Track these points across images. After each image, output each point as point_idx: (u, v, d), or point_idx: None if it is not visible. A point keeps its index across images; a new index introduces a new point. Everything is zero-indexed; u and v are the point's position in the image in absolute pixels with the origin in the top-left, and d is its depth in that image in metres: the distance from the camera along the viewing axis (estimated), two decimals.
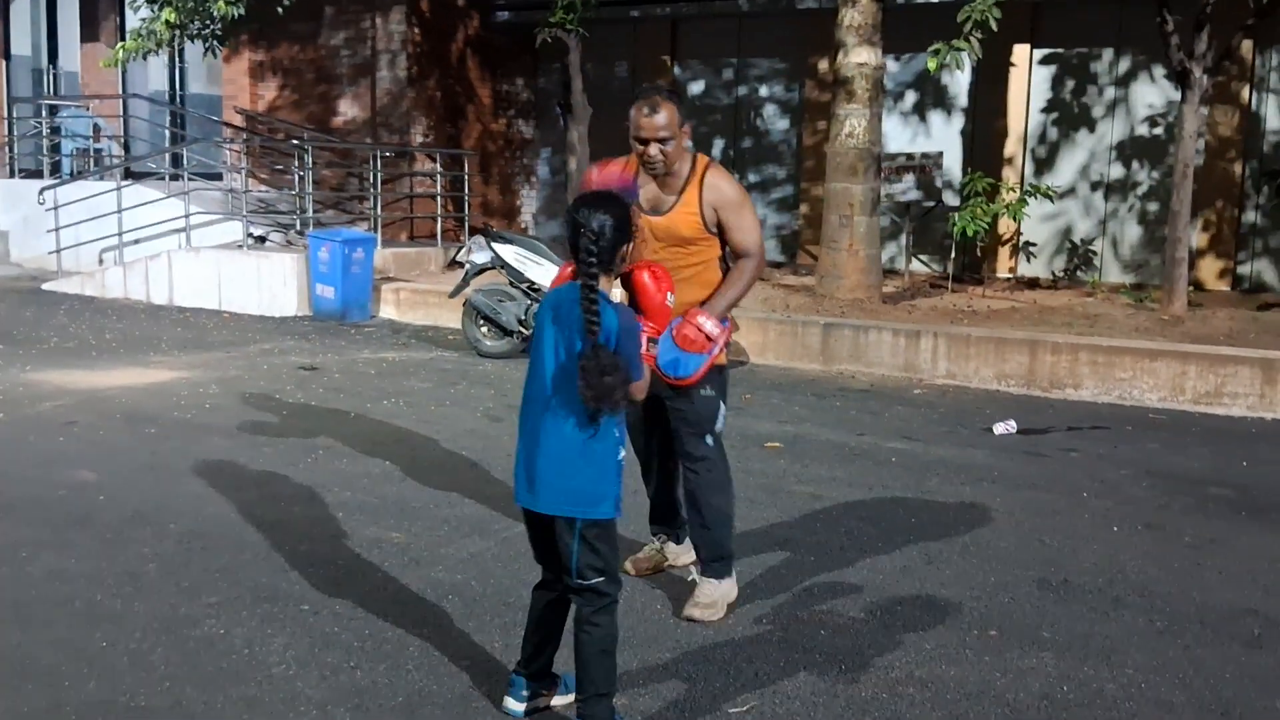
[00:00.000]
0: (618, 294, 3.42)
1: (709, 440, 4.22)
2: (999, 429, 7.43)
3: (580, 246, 3.17)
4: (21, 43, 18.25)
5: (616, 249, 3.24)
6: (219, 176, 15.21)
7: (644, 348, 3.32)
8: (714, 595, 4.24)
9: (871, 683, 3.69)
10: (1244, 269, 12.51)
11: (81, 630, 3.96)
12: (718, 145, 15.32)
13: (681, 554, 4.65)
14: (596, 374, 3.04)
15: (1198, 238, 12.33)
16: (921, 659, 3.88)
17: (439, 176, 14.74)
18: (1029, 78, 13.29)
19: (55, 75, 18.13)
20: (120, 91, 16.70)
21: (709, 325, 4.04)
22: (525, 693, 3.40)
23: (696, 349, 4.03)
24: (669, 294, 3.51)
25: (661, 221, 4.15)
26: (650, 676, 3.69)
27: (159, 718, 3.36)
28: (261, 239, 13.18)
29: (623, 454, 3.31)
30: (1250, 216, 12.45)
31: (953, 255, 12.43)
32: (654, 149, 4.05)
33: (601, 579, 3.21)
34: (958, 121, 13.81)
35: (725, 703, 3.53)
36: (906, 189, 12.45)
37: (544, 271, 9.59)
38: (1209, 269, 12.50)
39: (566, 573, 3.24)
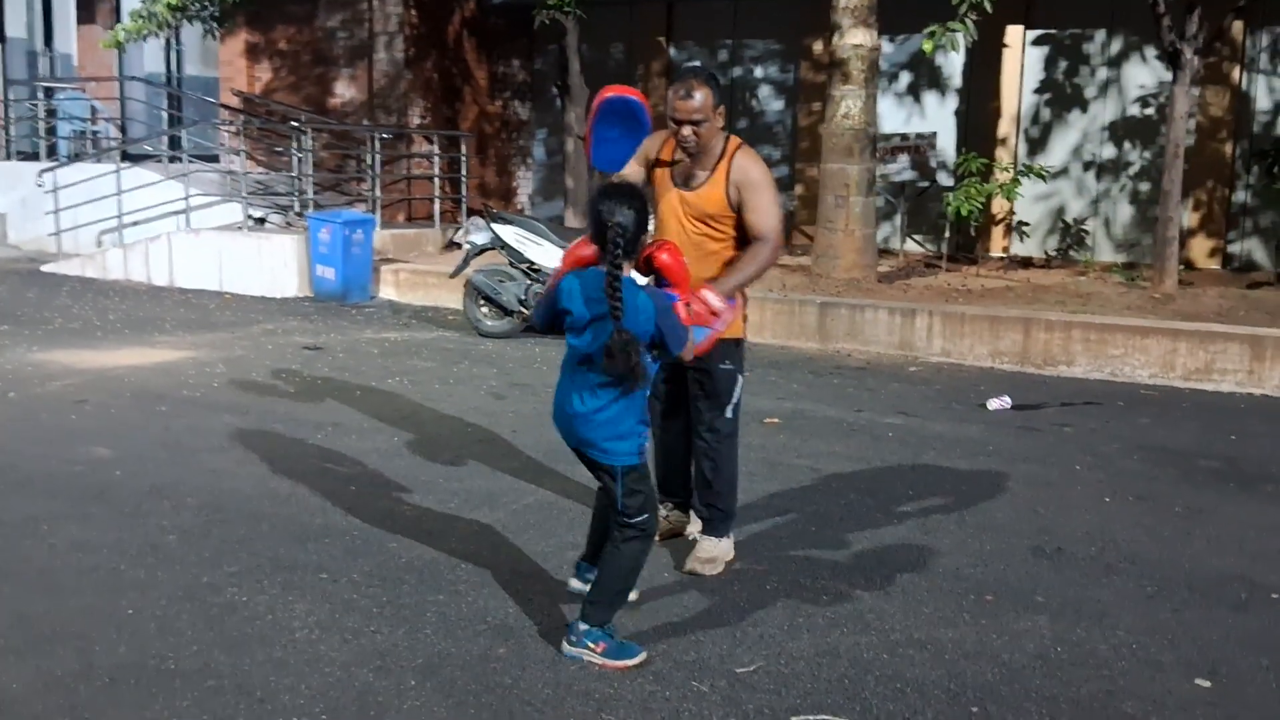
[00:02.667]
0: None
1: (728, 412, 4.43)
2: (993, 404, 7.57)
3: (607, 239, 3.43)
4: (17, 25, 18.27)
5: (639, 239, 3.53)
6: (216, 158, 15.28)
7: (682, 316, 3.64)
8: (714, 551, 4.46)
9: (872, 644, 3.83)
10: (1234, 248, 12.66)
11: (108, 597, 4.09)
12: None
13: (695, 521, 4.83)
14: (623, 355, 3.37)
15: (1189, 217, 12.47)
16: (920, 622, 4.03)
17: (436, 158, 14.83)
18: (1022, 59, 13.41)
19: (51, 57, 18.15)
20: (117, 74, 16.74)
21: (713, 300, 4.13)
22: (589, 576, 3.87)
23: (700, 323, 4.14)
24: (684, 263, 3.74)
25: (691, 196, 4.36)
26: (659, 638, 3.83)
27: (189, 680, 3.49)
28: (261, 221, 13.26)
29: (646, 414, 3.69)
30: (1240, 196, 12.60)
31: (947, 235, 12.56)
32: (687, 130, 4.24)
33: (644, 516, 3.67)
34: (952, 102, 13.92)
35: (732, 663, 3.67)
36: (901, 169, 12.58)
37: (543, 252, 9.70)
38: (1200, 248, 12.65)
39: (617, 513, 3.68)
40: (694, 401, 4.47)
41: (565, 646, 3.66)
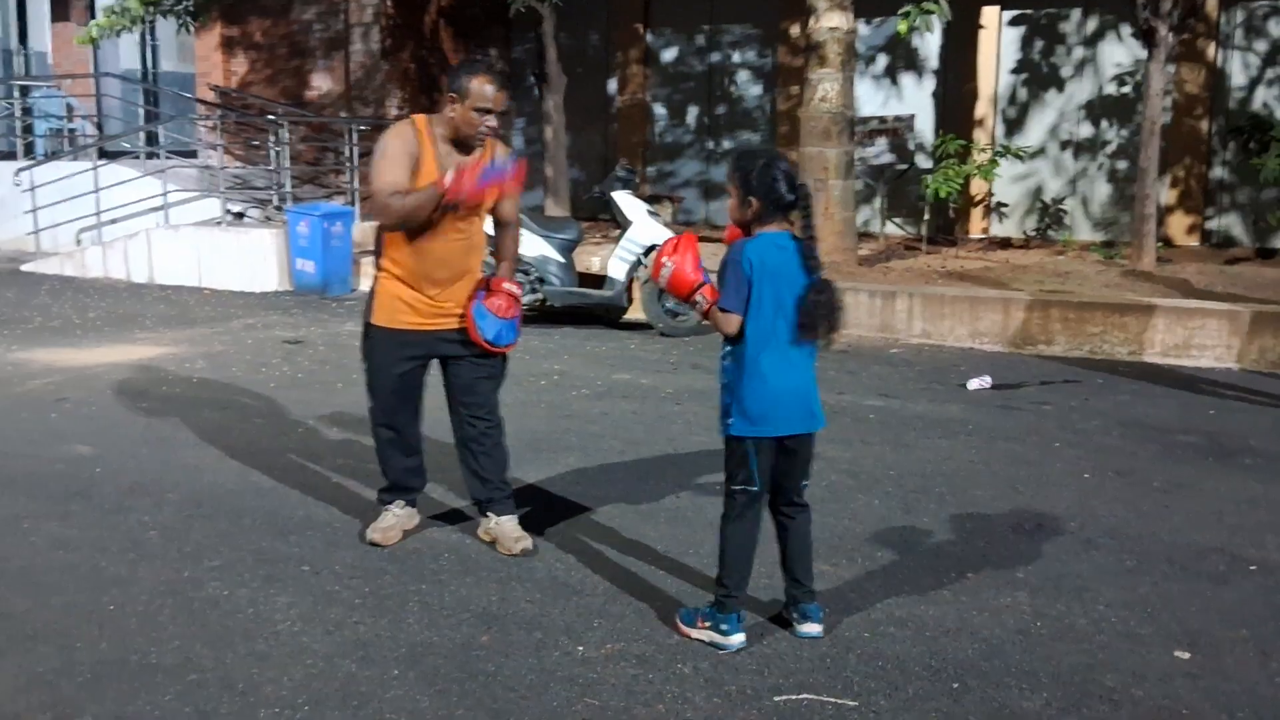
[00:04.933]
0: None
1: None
2: (974, 384, 7.60)
3: (802, 205, 3.60)
4: None
5: None
6: (194, 154, 15.21)
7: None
8: (520, 529, 4.54)
9: (854, 623, 3.85)
10: (1212, 224, 12.72)
11: (89, 594, 4.08)
12: (692, 112, 15.41)
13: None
14: (838, 305, 3.61)
15: (1166, 194, 12.52)
16: (901, 600, 4.05)
17: None
18: (998, 39, 13.43)
19: (26, 56, 18.03)
20: (92, 70, 16.64)
21: (515, 289, 4.44)
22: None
23: (512, 314, 4.41)
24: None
25: None
26: (643, 623, 3.84)
27: (171, 674, 3.48)
28: (240, 215, 13.22)
29: None
30: (1217, 172, 12.65)
31: (926, 217, 12.58)
32: (492, 120, 4.26)
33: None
34: (929, 84, 13.94)
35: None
36: (880, 152, 12.61)
37: (524, 240, 9.67)
38: (1178, 225, 12.71)
39: (804, 480, 3.77)
40: (474, 385, 4.47)
41: (815, 628, 3.73)
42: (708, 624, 3.69)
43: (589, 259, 10.77)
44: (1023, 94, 13.47)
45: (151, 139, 15.51)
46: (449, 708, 3.28)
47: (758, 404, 3.61)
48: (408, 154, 4.26)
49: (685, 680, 3.45)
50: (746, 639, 3.66)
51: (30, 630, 3.78)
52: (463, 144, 4.32)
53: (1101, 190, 13.17)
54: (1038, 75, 13.37)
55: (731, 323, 3.59)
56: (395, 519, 4.65)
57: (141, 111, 16.58)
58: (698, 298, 3.63)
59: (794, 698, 3.35)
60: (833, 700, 3.33)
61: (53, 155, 15.45)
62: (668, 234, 9.02)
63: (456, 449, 4.64)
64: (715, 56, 15.18)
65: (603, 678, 3.46)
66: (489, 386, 4.55)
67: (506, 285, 4.40)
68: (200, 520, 4.86)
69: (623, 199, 9.73)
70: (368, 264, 12.14)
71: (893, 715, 3.25)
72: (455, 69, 4.35)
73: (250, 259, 12.15)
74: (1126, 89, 12.89)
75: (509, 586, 4.14)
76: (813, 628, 3.72)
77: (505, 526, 4.53)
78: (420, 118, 4.39)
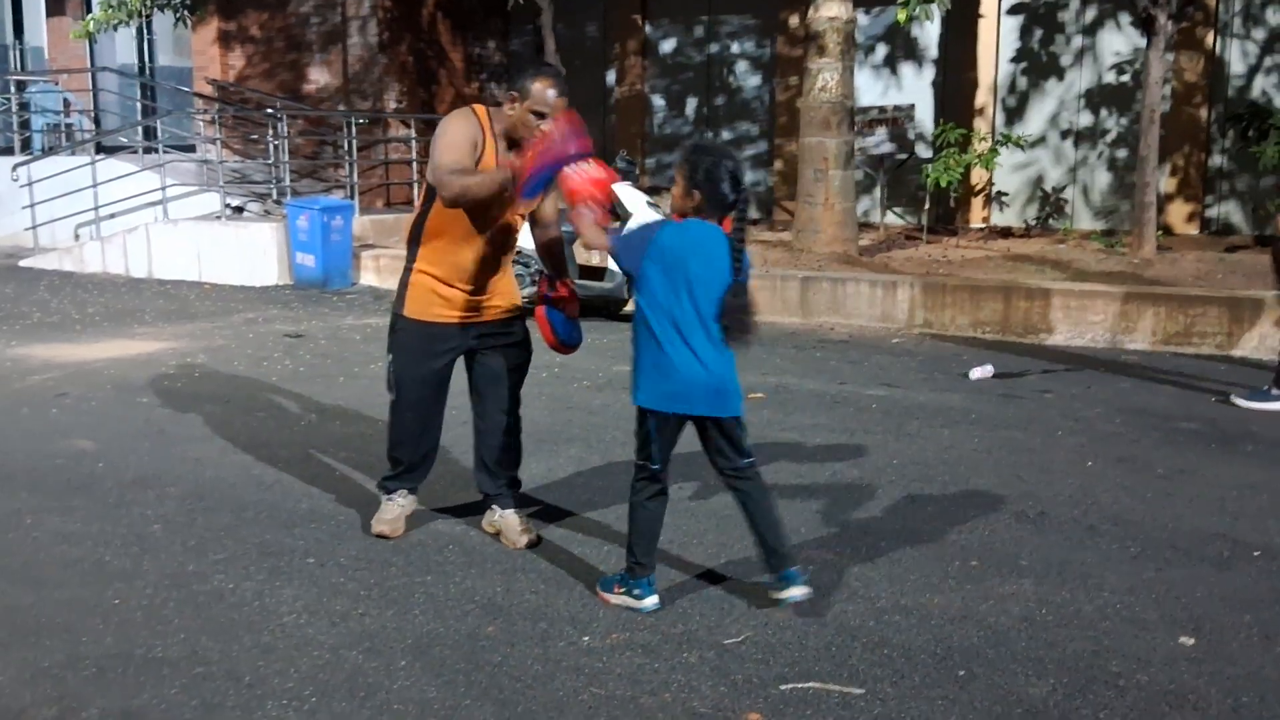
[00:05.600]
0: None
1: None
2: (975, 374, 7.60)
3: (739, 204, 3.65)
4: None
5: None
6: (192, 148, 15.19)
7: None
8: (520, 519, 4.55)
9: (859, 612, 3.85)
10: (1211, 212, 12.71)
11: (93, 588, 4.07)
12: (690, 104, 15.39)
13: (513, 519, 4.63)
14: (745, 310, 3.63)
15: (1166, 182, 12.50)
16: (906, 589, 4.05)
17: (414, 142, 14.76)
18: (998, 28, 13.40)
19: (22, 51, 17.99)
20: (89, 65, 16.61)
21: (575, 288, 4.48)
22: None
23: (579, 314, 4.49)
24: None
25: None
26: (648, 612, 3.84)
27: (177, 667, 3.48)
28: (239, 209, 13.20)
29: None
30: (1216, 160, 12.63)
31: (927, 206, 12.58)
32: (548, 124, 4.17)
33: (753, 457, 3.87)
34: (929, 73, 13.92)
35: (720, 634, 3.68)
36: (880, 142, 12.59)
37: (524, 234, 9.65)
38: (1177, 213, 12.69)
39: (743, 459, 3.80)
40: (502, 377, 4.56)
41: (799, 590, 3.75)
42: (622, 589, 3.86)
43: (589, 251, 10.76)
44: (1022, 83, 13.45)
45: (149, 133, 15.48)
46: (455, 698, 3.28)
47: (653, 380, 3.70)
48: (471, 140, 4.25)
49: (691, 669, 3.45)
50: (660, 602, 3.84)
51: (34, 624, 3.78)
52: (515, 144, 4.29)
53: (1101, 179, 13.15)
54: (1037, 64, 13.35)
55: (600, 240, 3.73)
56: (399, 509, 4.64)
57: (139, 106, 16.55)
58: (583, 209, 3.72)
59: (800, 686, 3.35)
60: (838, 688, 3.33)
61: (50, 150, 15.43)
62: None
63: (474, 441, 4.66)
64: (714, 47, 15.16)
65: (608, 667, 3.46)
66: (515, 379, 4.60)
67: (571, 286, 4.43)
68: (203, 514, 4.85)
69: (622, 191, 9.72)
70: (368, 257, 12.15)
71: (899, 703, 3.25)
72: (521, 68, 4.35)
73: (250, 253, 12.14)
74: (1126, 77, 12.87)
75: (514, 577, 4.14)
76: (796, 590, 3.74)
77: (510, 519, 4.54)
78: (480, 108, 4.36)
